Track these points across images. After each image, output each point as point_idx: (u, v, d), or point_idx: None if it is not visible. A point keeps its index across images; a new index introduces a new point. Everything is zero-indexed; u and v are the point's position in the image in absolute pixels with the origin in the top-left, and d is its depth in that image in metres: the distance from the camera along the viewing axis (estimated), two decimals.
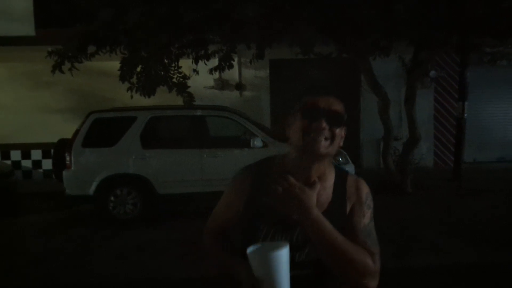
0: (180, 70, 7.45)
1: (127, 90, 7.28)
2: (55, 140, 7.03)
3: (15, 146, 9.94)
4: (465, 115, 8.92)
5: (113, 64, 7.41)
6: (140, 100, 7.47)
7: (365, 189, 1.49)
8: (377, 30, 6.55)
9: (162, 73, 7.26)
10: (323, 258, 1.31)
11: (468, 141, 9.45)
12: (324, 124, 1.36)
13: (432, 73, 9.61)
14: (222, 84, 10.02)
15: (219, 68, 7.38)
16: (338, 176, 1.49)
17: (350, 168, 6.94)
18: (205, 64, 7.38)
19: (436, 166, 10.46)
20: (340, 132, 1.40)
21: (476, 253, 5.03)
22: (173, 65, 7.40)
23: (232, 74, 9.49)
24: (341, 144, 1.44)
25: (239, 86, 10.14)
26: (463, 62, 8.79)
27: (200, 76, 7.63)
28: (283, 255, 1.25)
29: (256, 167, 1.52)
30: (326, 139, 1.36)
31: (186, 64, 7.60)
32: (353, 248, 1.31)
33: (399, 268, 4.66)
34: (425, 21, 6.45)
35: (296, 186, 1.29)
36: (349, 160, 7.05)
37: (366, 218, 1.43)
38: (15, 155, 10.02)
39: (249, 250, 1.28)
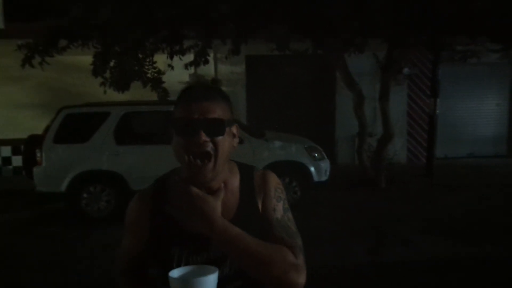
0: (154, 65, 7.37)
1: (100, 85, 7.15)
2: (25, 136, 6.85)
3: None
4: (437, 111, 9.11)
5: (86, 59, 7.25)
6: (113, 95, 7.34)
7: (272, 182, 1.38)
8: (351, 28, 6.61)
9: (136, 68, 7.16)
10: (241, 266, 1.23)
11: (440, 137, 9.65)
12: (203, 137, 1.22)
13: (406, 70, 9.77)
14: (197, 80, 9.94)
15: (195, 63, 7.32)
16: (244, 174, 1.39)
17: (326, 164, 7.01)
18: (181, 59, 7.31)
19: (409, 161, 10.64)
20: (224, 139, 1.26)
21: (448, 247, 5.14)
22: (148, 60, 7.31)
23: (208, 70, 9.43)
24: (235, 144, 1.31)
25: (215, 82, 10.07)
26: (435, 59, 8.95)
27: (175, 71, 7.55)
28: (210, 281, 1.14)
29: (154, 185, 1.41)
30: (208, 156, 1.23)
31: (161, 59, 7.51)
32: (269, 247, 1.22)
33: (372, 263, 4.73)
34: (399, 19, 6.55)
35: (199, 197, 1.17)
36: (325, 156, 7.11)
37: (277, 212, 1.34)
38: None
39: (172, 273, 1.17)
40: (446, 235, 5.51)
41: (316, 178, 6.85)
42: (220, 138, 1.25)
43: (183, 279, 1.16)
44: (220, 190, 1.24)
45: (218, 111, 1.25)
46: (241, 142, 6.58)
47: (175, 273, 1.18)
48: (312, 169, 6.83)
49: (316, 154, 6.96)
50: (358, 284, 4.24)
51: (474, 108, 10.95)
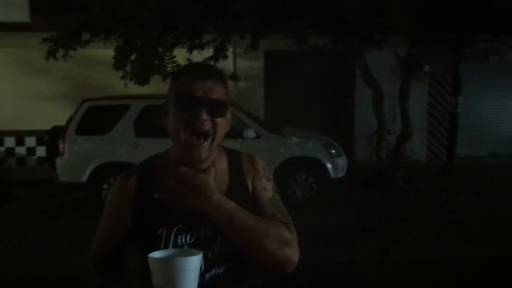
0: (174, 59, 7.45)
1: (121, 79, 7.27)
2: (49, 127, 7.03)
3: (9, 133, 9.91)
4: (459, 109, 8.98)
5: (108, 52, 7.39)
6: (134, 88, 7.46)
7: (260, 163, 1.40)
8: (371, 24, 6.57)
9: (156, 62, 7.26)
10: (237, 244, 1.20)
11: (461, 136, 9.52)
12: (205, 116, 1.21)
13: (427, 67, 9.64)
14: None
15: (214, 58, 7.37)
16: (231, 157, 1.39)
17: (343, 161, 6.99)
18: (200, 53, 7.37)
19: (428, 160, 10.52)
20: (222, 122, 1.26)
21: (465, 247, 5.08)
22: (168, 54, 7.40)
23: (227, 65, 9.46)
24: (228, 129, 1.31)
25: (234, 77, 10.11)
26: (457, 57, 8.83)
27: None
28: (193, 262, 1.09)
29: (139, 168, 1.38)
30: (206, 135, 1.23)
31: (180, 54, 7.58)
32: (265, 222, 1.23)
33: (387, 261, 4.72)
34: (420, 16, 6.47)
35: (190, 174, 1.15)
36: (342, 152, 7.09)
37: (268, 191, 1.35)
38: (9, 141, 10.00)
39: (152, 254, 1.12)
40: (463, 235, 5.43)
41: (333, 175, 6.84)
42: (220, 119, 1.25)
43: (163, 259, 1.11)
44: (210, 168, 1.22)
45: (221, 92, 1.25)
46: (258, 137, 6.63)
47: (156, 254, 1.13)
48: (329, 165, 6.82)
49: (333, 151, 6.94)
50: (373, 283, 4.24)
51: (496, 106, 10.75)
